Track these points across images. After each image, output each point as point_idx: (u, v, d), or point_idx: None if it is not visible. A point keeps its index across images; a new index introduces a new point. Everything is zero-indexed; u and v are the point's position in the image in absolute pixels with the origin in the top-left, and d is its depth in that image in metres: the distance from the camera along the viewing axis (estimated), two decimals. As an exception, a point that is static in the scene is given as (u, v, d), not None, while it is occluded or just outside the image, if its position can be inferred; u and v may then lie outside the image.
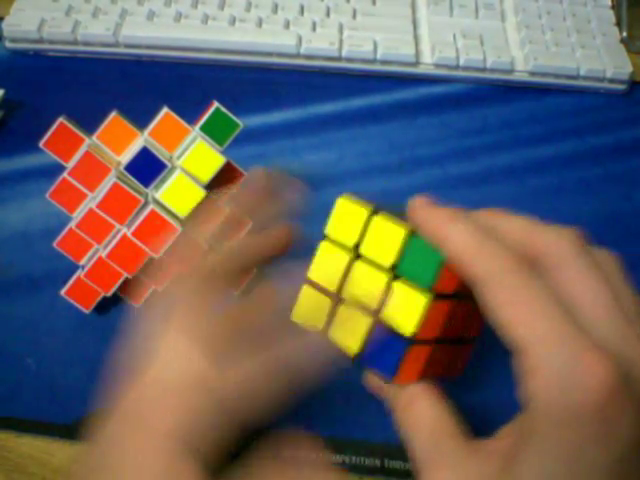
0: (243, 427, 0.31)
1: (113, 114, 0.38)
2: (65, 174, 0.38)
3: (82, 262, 0.40)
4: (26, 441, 0.37)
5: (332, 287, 0.31)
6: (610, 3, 0.62)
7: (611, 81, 0.57)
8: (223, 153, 0.38)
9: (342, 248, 0.31)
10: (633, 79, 0.58)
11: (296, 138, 0.53)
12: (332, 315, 0.30)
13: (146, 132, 0.38)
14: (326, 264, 0.31)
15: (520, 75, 0.57)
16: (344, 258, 0.31)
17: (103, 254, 0.37)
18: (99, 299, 0.40)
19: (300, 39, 0.56)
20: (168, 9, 0.58)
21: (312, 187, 0.50)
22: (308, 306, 0.31)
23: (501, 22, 0.60)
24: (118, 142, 0.38)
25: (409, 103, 0.57)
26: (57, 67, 0.57)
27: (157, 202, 0.36)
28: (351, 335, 0.30)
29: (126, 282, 0.39)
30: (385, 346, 0.29)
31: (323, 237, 0.32)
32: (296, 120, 0.54)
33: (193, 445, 0.29)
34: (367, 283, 0.30)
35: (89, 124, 0.39)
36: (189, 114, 0.39)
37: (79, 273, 0.39)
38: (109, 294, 0.39)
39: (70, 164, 0.38)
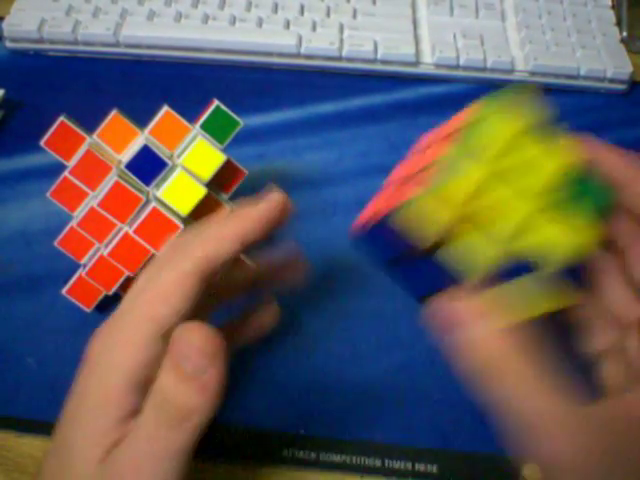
0: None
1: (113, 112, 0.38)
2: (66, 173, 0.38)
3: (83, 261, 0.40)
4: (26, 441, 0.37)
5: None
6: (610, 3, 0.63)
7: (611, 81, 0.57)
8: (223, 151, 0.38)
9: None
10: (633, 79, 0.58)
11: (296, 138, 0.53)
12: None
13: (147, 130, 0.38)
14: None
15: (520, 75, 0.58)
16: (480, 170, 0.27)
17: (104, 253, 0.37)
18: (100, 298, 0.40)
19: (300, 39, 0.56)
20: (168, 9, 0.58)
21: (312, 186, 0.50)
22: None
23: (501, 22, 0.61)
24: (119, 140, 0.38)
25: (409, 103, 0.57)
26: (57, 67, 0.57)
27: (158, 200, 0.36)
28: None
29: (128, 281, 0.39)
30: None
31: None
32: (296, 120, 0.55)
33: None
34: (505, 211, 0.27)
35: (89, 124, 0.39)
36: (189, 113, 0.39)
37: (80, 272, 0.39)
38: (110, 293, 0.39)
39: (71, 163, 0.38)
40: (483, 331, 0.26)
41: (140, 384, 0.28)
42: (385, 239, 0.29)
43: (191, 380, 0.26)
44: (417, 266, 0.29)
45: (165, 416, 0.27)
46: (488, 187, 0.27)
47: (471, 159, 0.27)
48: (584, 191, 0.27)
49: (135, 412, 0.28)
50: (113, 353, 0.29)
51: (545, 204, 0.27)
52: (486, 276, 0.27)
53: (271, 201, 0.33)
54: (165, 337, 0.29)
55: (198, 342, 0.26)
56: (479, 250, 0.27)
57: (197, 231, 0.33)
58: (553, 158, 0.28)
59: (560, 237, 0.26)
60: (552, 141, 0.28)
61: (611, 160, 0.28)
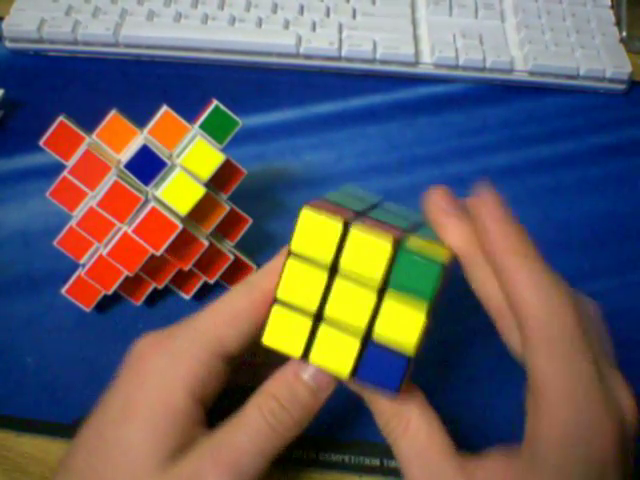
0: None
1: (113, 112, 0.38)
2: (65, 173, 0.38)
3: (82, 261, 0.40)
4: (26, 440, 0.37)
5: (310, 306, 0.28)
6: (610, 3, 0.63)
7: (610, 81, 0.57)
8: (223, 151, 0.38)
9: (315, 265, 0.27)
10: (632, 79, 0.58)
11: (295, 138, 0.53)
12: (312, 337, 0.28)
13: (146, 130, 0.38)
14: (298, 283, 0.28)
15: (520, 75, 0.58)
16: (320, 276, 0.27)
17: (104, 252, 0.37)
18: (100, 297, 0.40)
19: (300, 39, 0.56)
20: (168, 9, 0.58)
21: (311, 186, 0.50)
22: (281, 328, 0.28)
23: (501, 22, 0.61)
24: (118, 140, 0.39)
25: (408, 103, 0.57)
26: (57, 67, 0.57)
27: (157, 200, 0.36)
28: (339, 357, 0.27)
29: (127, 280, 0.39)
30: (384, 363, 0.27)
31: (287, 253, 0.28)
32: (295, 120, 0.55)
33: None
34: (352, 301, 0.27)
35: (89, 123, 0.39)
36: (189, 113, 0.39)
37: (79, 272, 0.39)
38: (110, 292, 0.39)
39: (70, 163, 0.38)
40: None
41: (198, 396, 0.29)
42: None
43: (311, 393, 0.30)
44: None
45: (268, 409, 0.29)
46: (330, 286, 0.28)
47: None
48: (417, 264, 0.27)
49: (197, 422, 0.29)
50: (173, 363, 0.30)
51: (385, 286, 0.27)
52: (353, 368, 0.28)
53: None
54: (224, 358, 0.30)
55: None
56: (340, 346, 0.28)
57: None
58: (381, 244, 0.27)
59: (404, 318, 0.27)
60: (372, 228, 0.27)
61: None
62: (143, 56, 0.57)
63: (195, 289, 0.42)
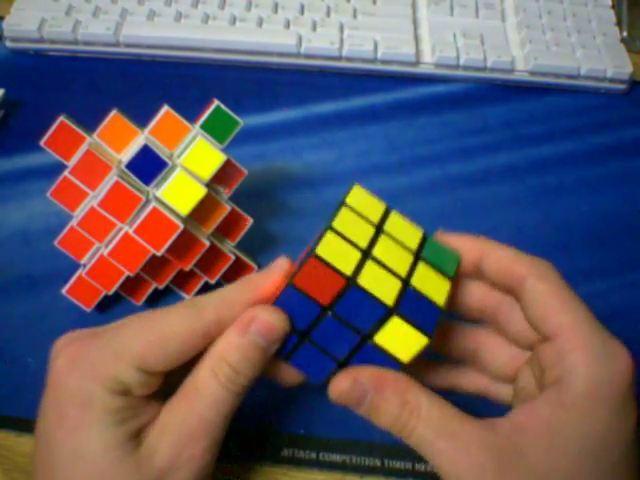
0: None
1: (113, 112, 0.38)
2: (66, 173, 0.38)
3: (83, 261, 0.40)
4: (26, 440, 0.37)
5: (362, 244, 0.29)
6: (610, 3, 0.63)
7: (611, 81, 0.57)
8: (223, 151, 0.38)
9: (365, 220, 0.30)
10: (633, 79, 0.58)
11: (296, 137, 0.53)
12: (361, 266, 0.28)
13: (147, 130, 0.38)
14: (348, 230, 0.29)
15: (520, 75, 0.58)
16: (368, 229, 0.30)
17: (104, 252, 0.37)
18: (100, 297, 0.40)
19: (300, 39, 0.56)
20: (168, 9, 0.58)
21: (312, 186, 0.50)
22: (333, 249, 0.28)
23: (501, 22, 0.61)
24: (119, 140, 0.38)
25: (409, 103, 0.57)
26: (57, 67, 0.57)
27: (158, 200, 0.36)
28: (385, 287, 0.28)
29: (128, 280, 0.39)
30: (422, 308, 0.29)
31: (340, 205, 0.31)
32: (296, 119, 0.55)
33: None
34: (395, 254, 0.29)
35: (90, 123, 0.39)
36: (189, 113, 0.39)
37: (80, 272, 0.39)
38: (110, 293, 0.39)
39: (71, 163, 0.38)
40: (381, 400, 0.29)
41: (119, 392, 0.29)
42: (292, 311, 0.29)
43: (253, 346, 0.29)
44: (322, 334, 0.29)
45: (223, 376, 0.29)
46: (376, 236, 0.30)
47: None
48: (438, 252, 0.31)
49: (135, 406, 0.29)
50: (92, 373, 0.29)
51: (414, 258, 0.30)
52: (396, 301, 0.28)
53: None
54: (148, 372, 0.30)
55: (271, 321, 0.29)
56: (385, 283, 0.28)
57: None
58: (414, 230, 0.31)
59: (437, 282, 0.30)
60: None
61: (460, 242, 0.32)
62: (144, 56, 0.57)
63: (196, 289, 0.42)
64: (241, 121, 0.39)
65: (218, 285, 0.42)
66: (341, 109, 0.56)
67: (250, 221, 0.41)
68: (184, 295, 0.42)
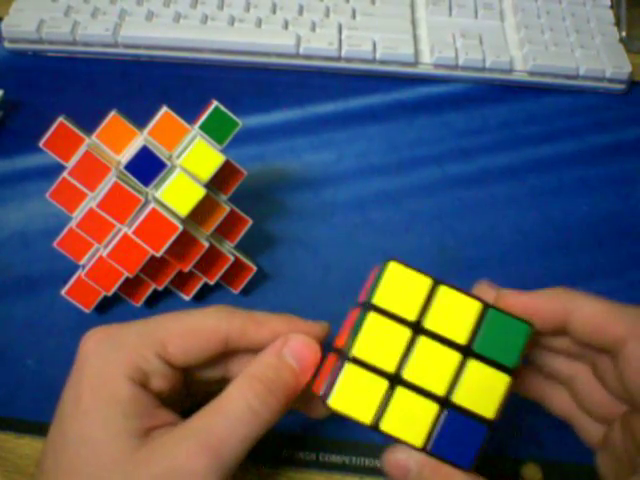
0: None
1: (112, 113, 0.38)
2: (65, 174, 0.38)
3: (82, 262, 0.40)
4: (26, 442, 0.37)
5: (388, 366, 0.26)
6: (609, 3, 0.63)
7: (610, 81, 0.57)
8: (223, 152, 0.38)
9: (398, 321, 0.27)
10: (632, 79, 0.58)
11: (295, 138, 0.53)
12: (386, 401, 0.26)
13: (146, 131, 0.38)
14: (378, 339, 0.27)
15: (519, 75, 0.58)
16: (403, 333, 0.27)
17: (104, 253, 0.37)
18: (100, 299, 0.40)
19: (299, 39, 0.56)
20: (167, 9, 0.58)
21: (311, 187, 0.50)
22: (353, 390, 0.26)
23: (500, 22, 0.61)
24: (118, 141, 0.38)
25: (408, 103, 0.57)
26: (56, 67, 0.57)
27: (157, 201, 0.36)
28: (414, 424, 0.26)
29: (127, 281, 0.39)
30: (462, 433, 0.26)
31: (366, 307, 0.28)
32: (295, 120, 0.55)
33: None
34: (434, 362, 0.26)
35: (89, 124, 0.39)
36: (188, 114, 0.39)
37: (79, 273, 0.39)
38: (110, 294, 0.39)
39: (70, 164, 0.38)
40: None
41: (139, 382, 0.29)
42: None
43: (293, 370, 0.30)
44: None
45: (253, 394, 0.28)
46: (412, 344, 0.27)
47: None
48: (505, 326, 0.27)
49: (152, 407, 0.29)
50: (113, 351, 0.30)
51: (470, 349, 0.27)
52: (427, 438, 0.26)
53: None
54: (167, 362, 0.30)
55: (311, 352, 0.30)
56: (416, 412, 0.26)
57: None
58: (470, 303, 0.27)
59: (487, 382, 0.27)
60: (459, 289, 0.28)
61: (534, 303, 0.29)
62: (142, 56, 0.57)
63: (195, 290, 0.42)
64: (240, 122, 0.39)
65: (217, 286, 0.42)
66: (340, 109, 0.55)
67: (249, 222, 0.41)
68: (183, 296, 0.42)
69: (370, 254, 0.46)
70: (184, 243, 0.38)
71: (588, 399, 0.30)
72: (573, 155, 0.54)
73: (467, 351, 0.27)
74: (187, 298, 0.42)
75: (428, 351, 0.27)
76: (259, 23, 0.57)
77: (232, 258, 0.41)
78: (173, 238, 0.36)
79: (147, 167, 0.36)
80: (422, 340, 0.27)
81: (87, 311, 0.40)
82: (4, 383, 0.39)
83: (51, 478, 0.29)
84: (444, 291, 0.27)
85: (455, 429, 0.26)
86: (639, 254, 0.48)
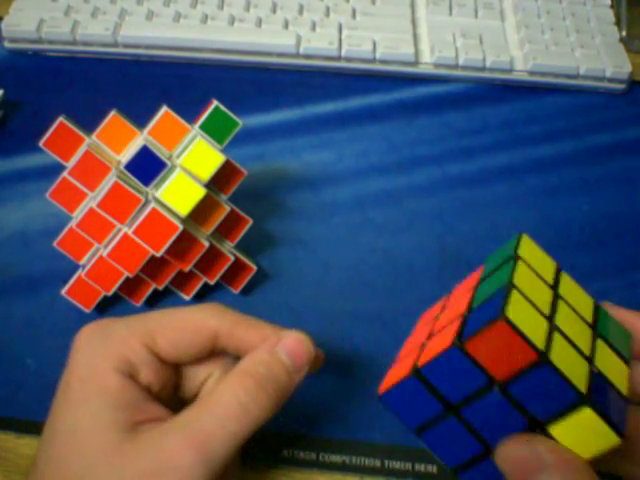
0: None
1: (112, 113, 0.38)
2: (65, 173, 0.38)
3: (82, 262, 0.40)
4: (26, 442, 0.37)
5: (544, 309, 0.25)
6: (609, 3, 0.63)
7: (610, 80, 0.57)
8: (223, 152, 0.38)
9: (541, 279, 0.27)
10: (632, 78, 0.58)
11: (295, 138, 0.53)
12: (550, 339, 0.24)
13: (146, 131, 0.38)
14: (530, 289, 0.25)
15: (519, 75, 0.58)
16: (546, 291, 0.26)
17: (104, 253, 0.37)
18: (100, 298, 0.40)
19: (299, 39, 0.56)
20: (167, 9, 0.58)
21: (311, 186, 0.50)
22: (523, 313, 0.24)
23: (500, 22, 0.61)
24: (118, 141, 0.38)
25: (408, 103, 0.57)
26: (56, 67, 0.57)
27: (157, 201, 0.36)
28: (574, 372, 0.23)
29: (127, 281, 0.39)
30: (609, 399, 0.24)
31: (509, 259, 0.27)
32: (295, 120, 0.54)
33: None
34: (574, 327, 0.25)
35: (89, 124, 0.39)
36: (188, 114, 0.39)
37: (80, 273, 0.39)
38: (110, 294, 0.39)
39: (70, 163, 0.38)
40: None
41: (127, 374, 0.29)
42: (427, 391, 0.25)
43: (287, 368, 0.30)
44: (470, 414, 0.25)
45: (244, 390, 0.28)
46: (554, 301, 0.26)
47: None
48: (611, 328, 0.27)
49: (142, 399, 0.29)
50: (101, 343, 0.30)
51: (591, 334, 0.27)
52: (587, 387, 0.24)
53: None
54: (155, 355, 0.30)
55: (305, 349, 0.30)
56: (574, 363, 0.24)
57: None
58: (585, 297, 0.28)
59: (617, 366, 0.26)
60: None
61: (635, 320, 0.29)
62: (142, 56, 0.57)
63: (195, 290, 0.42)
64: (240, 121, 0.39)
65: (217, 286, 0.42)
66: (340, 109, 0.55)
67: (250, 222, 0.41)
68: (183, 296, 0.42)
69: (370, 254, 0.46)
70: (184, 243, 0.38)
71: None
72: (573, 155, 0.54)
73: (594, 329, 0.27)
74: (187, 298, 0.42)
75: (569, 316, 0.26)
76: (259, 23, 0.57)
77: (232, 258, 0.41)
78: (173, 238, 0.36)
79: (147, 167, 0.36)
80: (562, 305, 0.26)
81: (87, 311, 0.40)
82: (4, 383, 0.39)
83: (42, 468, 0.29)
84: (566, 278, 0.28)
85: (605, 393, 0.24)
86: (639, 254, 0.48)
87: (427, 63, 0.57)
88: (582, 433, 0.23)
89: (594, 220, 0.49)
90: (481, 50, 0.57)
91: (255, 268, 0.42)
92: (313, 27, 0.58)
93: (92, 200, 0.37)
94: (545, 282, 0.26)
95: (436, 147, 0.53)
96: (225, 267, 0.41)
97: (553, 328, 0.24)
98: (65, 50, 0.57)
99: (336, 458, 0.37)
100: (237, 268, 0.42)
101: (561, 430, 0.23)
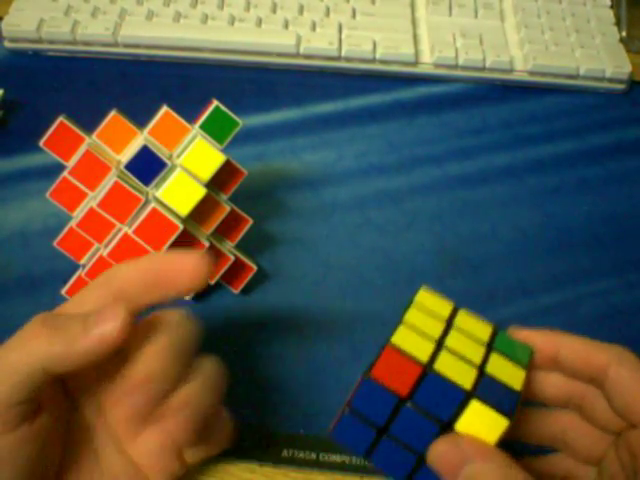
0: None
1: (113, 113, 0.38)
2: (65, 173, 0.38)
3: (83, 261, 0.40)
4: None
5: (433, 335, 0.30)
6: (609, 3, 0.63)
7: (610, 81, 0.57)
8: (223, 152, 0.38)
9: (434, 317, 0.31)
10: (632, 79, 0.58)
11: (295, 138, 0.53)
12: (435, 355, 0.29)
13: (146, 131, 0.38)
14: (420, 324, 0.30)
15: (519, 75, 0.58)
16: (438, 323, 0.30)
17: (104, 253, 0.37)
18: (99, 298, 0.40)
19: (299, 39, 0.56)
20: (167, 9, 0.58)
21: (311, 186, 0.50)
22: (408, 339, 0.29)
23: (500, 22, 0.61)
24: (118, 141, 0.38)
25: (408, 103, 0.57)
26: (56, 67, 0.57)
27: (158, 201, 0.36)
28: (460, 375, 0.28)
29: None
30: (498, 394, 0.28)
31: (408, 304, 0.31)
32: (295, 120, 0.54)
33: None
34: (466, 346, 0.30)
35: (89, 124, 0.39)
36: (189, 114, 0.39)
37: (80, 272, 0.39)
38: (109, 293, 0.39)
39: (70, 163, 0.38)
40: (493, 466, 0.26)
41: None
42: (360, 421, 0.29)
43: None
44: (401, 426, 0.29)
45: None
46: (446, 330, 0.30)
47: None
48: (510, 345, 0.31)
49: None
50: None
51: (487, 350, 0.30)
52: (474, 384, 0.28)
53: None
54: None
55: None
56: (461, 370, 0.28)
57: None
58: (483, 325, 0.32)
59: (512, 370, 0.30)
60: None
61: (532, 337, 0.32)
62: (142, 56, 0.57)
63: (195, 290, 0.42)
64: (240, 121, 0.39)
65: (218, 285, 0.42)
66: (340, 109, 0.55)
67: (250, 221, 0.41)
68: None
69: (370, 254, 0.46)
70: (184, 243, 0.38)
71: (581, 441, 0.32)
72: (573, 155, 0.54)
73: (490, 346, 0.30)
74: (187, 298, 0.42)
75: (461, 339, 0.30)
76: (259, 23, 0.57)
77: (232, 258, 0.41)
78: (173, 238, 0.36)
79: (147, 166, 0.36)
80: (455, 332, 0.30)
81: (87, 311, 0.40)
82: (4, 383, 0.39)
83: None
84: (463, 313, 0.32)
85: (493, 389, 0.28)
86: (639, 254, 0.48)
87: (427, 63, 0.57)
88: (479, 424, 0.27)
89: (594, 220, 0.49)
90: (481, 50, 0.57)
91: (255, 268, 0.42)
92: (313, 27, 0.58)
93: (92, 200, 0.37)
94: (439, 318, 0.31)
95: (436, 147, 0.53)
96: (225, 267, 0.41)
97: (440, 347, 0.29)
98: (65, 50, 0.57)
99: (336, 458, 0.38)
100: (237, 268, 0.42)
101: (463, 426, 0.27)
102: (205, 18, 0.57)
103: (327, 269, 0.45)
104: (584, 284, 0.46)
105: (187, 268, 0.30)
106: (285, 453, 0.38)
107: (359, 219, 0.48)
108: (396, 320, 0.42)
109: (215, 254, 0.40)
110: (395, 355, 0.28)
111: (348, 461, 0.37)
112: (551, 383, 0.32)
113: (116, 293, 0.30)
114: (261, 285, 0.44)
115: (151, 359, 0.29)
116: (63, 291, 0.40)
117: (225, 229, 0.41)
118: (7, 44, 0.57)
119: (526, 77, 0.58)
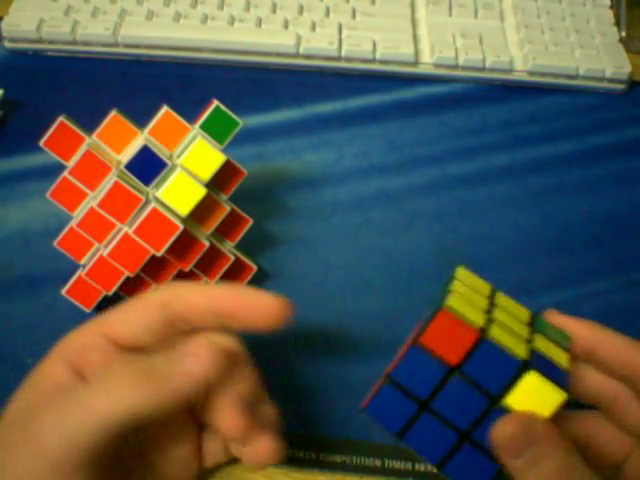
0: None
1: (113, 113, 0.38)
2: (65, 173, 0.38)
3: (83, 261, 0.40)
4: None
5: (482, 307, 0.29)
6: (609, 3, 0.63)
7: (610, 81, 0.57)
8: (223, 152, 0.38)
9: (478, 293, 0.30)
10: (632, 79, 0.58)
11: (295, 138, 0.53)
12: (488, 325, 0.27)
13: (146, 131, 0.38)
14: (466, 297, 0.29)
15: (519, 75, 0.58)
16: (484, 300, 0.30)
17: (104, 253, 0.37)
18: (100, 298, 0.40)
19: (299, 39, 0.56)
20: (167, 9, 0.58)
21: (311, 186, 0.50)
22: (460, 305, 0.27)
23: (500, 22, 0.61)
24: (118, 141, 0.38)
25: (408, 103, 0.57)
26: (56, 67, 0.57)
27: (158, 201, 0.36)
28: (514, 346, 0.27)
29: (127, 281, 0.39)
30: (550, 369, 0.27)
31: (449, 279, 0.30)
32: (295, 120, 0.55)
33: None
34: (512, 323, 0.29)
35: (89, 124, 0.39)
36: (189, 114, 0.39)
37: (80, 272, 0.39)
38: (110, 293, 0.39)
39: (70, 163, 0.38)
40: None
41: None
42: (400, 394, 0.27)
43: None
44: (444, 399, 0.27)
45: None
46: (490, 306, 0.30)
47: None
48: (549, 329, 0.30)
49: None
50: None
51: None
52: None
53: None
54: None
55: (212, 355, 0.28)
56: (513, 343, 0.27)
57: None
58: (521, 307, 0.31)
59: (556, 351, 0.29)
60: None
61: (572, 325, 0.31)
62: (142, 56, 0.57)
63: (195, 290, 0.42)
64: (240, 121, 0.39)
65: (218, 285, 0.42)
66: (340, 109, 0.55)
67: (250, 221, 0.41)
68: (184, 296, 0.42)
69: (370, 254, 0.46)
70: (185, 243, 0.38)
71: (606, 445, 0.31)
72: (573, 155, 0.54)
73: (532, 328, 0.30)
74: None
75: (506, 316, 0.29)
76: (259, 23, 0.57)
77: (232, 258, 0.41)
78: (174, 237, 0.36)
79: (148, 166, 0.36)
80: (499, 310, 0.29)
81: (88, 311, 0.40)
82: (4, 383, 0.39)
83: None
84: (501, 295, 0.31)
85: (545, 364, 0.27)
86: (639, 254, 0.48)
87: (427, 63, 0.57)
88: (533, 398, 0.26)
89: (594, 220, 0.50)
90: (481, 50, 0.57)
91: (255, 268, 0.42)
92: (313, 27, 0.58)
93: (92, 200, 0.37)
94: (481, 294, 0.30)
95: (436, 147, 0.53)
96: (225, 267, 0.41)
97: (491, 320, 0.28)
98: (65, 50, 0.57)
99: (336, 458, 0.38)
100: (237, 268, 0.42)
101: (516, 398, 0.26)
102: (205, 18, 0.57)
103: (327, 269, 0.45)
104: (584, 284, 0.46)
105: (269, 306, 0.31)
106: (286, 453, 0.37)
107: (359, 219, 0.48)
108: (396, 320, 0.42)
109: (215, 254, 0.40)
110: (449, 320, 0.26)
111: (348, 461, 0.37)
112: (589, 377, 0.31)
113: (172, 317, 0.30)
114: (261, 285, 0.44)
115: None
116: (63, 291, 0.40)
117: (225, 229, 0.41)
118: (7, 44, 0.57)
119: (526, 77, 0.58)
